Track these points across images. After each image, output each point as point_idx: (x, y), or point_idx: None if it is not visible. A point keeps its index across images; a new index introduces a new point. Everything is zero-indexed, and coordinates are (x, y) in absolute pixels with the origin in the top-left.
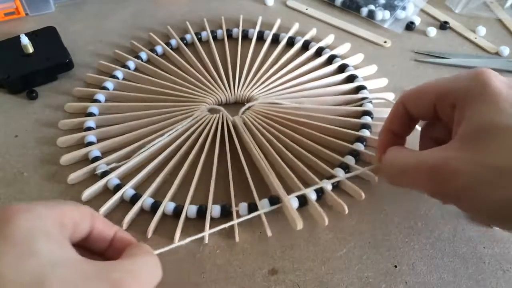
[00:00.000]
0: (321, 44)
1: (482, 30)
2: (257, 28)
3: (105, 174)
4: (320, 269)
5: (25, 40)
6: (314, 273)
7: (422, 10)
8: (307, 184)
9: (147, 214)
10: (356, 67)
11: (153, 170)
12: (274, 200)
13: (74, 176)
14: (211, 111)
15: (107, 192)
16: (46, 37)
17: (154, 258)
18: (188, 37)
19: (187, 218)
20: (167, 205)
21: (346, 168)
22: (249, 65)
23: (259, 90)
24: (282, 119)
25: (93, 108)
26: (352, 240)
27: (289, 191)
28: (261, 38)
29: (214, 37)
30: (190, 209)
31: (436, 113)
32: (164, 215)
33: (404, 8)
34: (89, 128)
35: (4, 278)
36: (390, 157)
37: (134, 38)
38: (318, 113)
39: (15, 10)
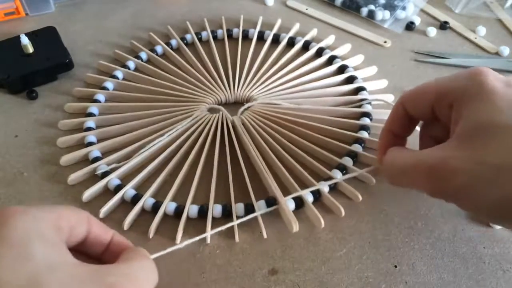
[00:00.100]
0: (322, 44)
1: (482, 30)
2: (258, 28)
3: (105, 174)
4: (320, 269)
5: (25, 40)
6: (314, 273)
7: (422, 10)
8: (304, 185)
9: (147, 214)
10: (356, 68)
11: (154, 170)
12: (271, 201)
13: (74, 177)
14: (211, 110)
15: (108, 192)
16: (46, 37)
17: (151, 262)
18: (188, 37)
19: (187, 218)
20: (168, 205)
21: (343, 169)
22: (249, 65)
23: (259, 90)
24: (280, 119)
25: (93, 108)
26: (352, 240)
27: (286, 192)
28: (261, 38)
29: (214, 37)
30: (191, 209)
31: (434, 113)
32: (164, 215)
33: (404, 8)
34: (89, 128)
35: (0, 280)
36: (390, 158)
37: (134, 38)
38: (316, 114)
39: (15, 10)
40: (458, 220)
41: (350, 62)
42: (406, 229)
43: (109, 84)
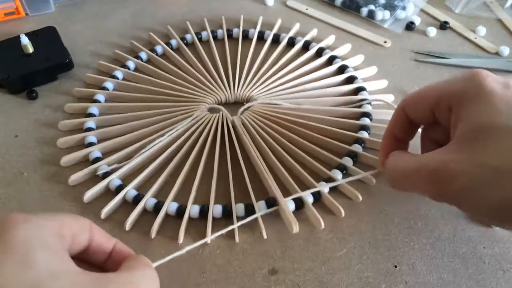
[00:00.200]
0: (322, 44)
1: (482, 30)
2: (258, 28)
3: (106, 175)
4: (320, 269)
5: (25, 40)
6: (314, 273)
7: (422, 10)
8: (304, 186)
9: (149, 214)
10: (356, 68)
11: (155, 171)
12: (272, 202)
13: (75, 177)
14: (211, 110)
15: (109, 193)
16: (46, 37)
17: (152, 270)
18: (188, 37)
19: (189, 219)
20: (170, 205)
21: (343, 169)
22: (249, 65)
23: (259, 90)
24: (280, 119)
25: (93, 109)
26: (352, 240)
27: (286, 193)
28: (261, 38)
29: (215, 37)
30: (192, 209)
31: (435, 116)
32: (166, 215)
33: (404, 8)
34: (89, 129)
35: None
36: (392, 162)
37: (134, 38)
38: (316, 114)
39: (15, 10)
40: (458, 220)
41: (350, 62)
42: (406, 229)
43: (109, 84)
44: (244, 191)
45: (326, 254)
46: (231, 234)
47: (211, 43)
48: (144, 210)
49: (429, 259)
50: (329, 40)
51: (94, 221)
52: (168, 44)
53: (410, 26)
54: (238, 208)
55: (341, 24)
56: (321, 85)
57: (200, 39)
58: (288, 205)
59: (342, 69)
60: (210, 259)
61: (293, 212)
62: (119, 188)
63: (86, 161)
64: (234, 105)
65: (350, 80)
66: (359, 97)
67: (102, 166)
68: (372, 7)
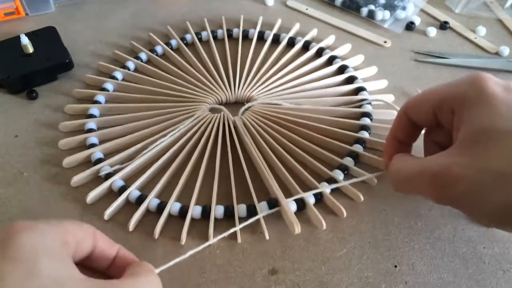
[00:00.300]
0: (322, 44)
1: (482, 30)
2: (258, 28)
3: (109, 176)
4: (320, 269)
5: (25, 40)
6: (314, 273)
7: (422, 10)
8: (305, 186)
9: (151, 215)
10: (356, 68)
11: (157, 171)
12: (273, 203)
13: (77, 179)
14: (213, 110)
15: (111, 194)
16: (46, 37)
17: (156, 277)
18: (188, 37)
19: (191, 219)
20: (173, 206)
21: (345, 170)
22: (249, 65)
23: (259, 90)
24: (281, 119)
25: (94, 110)
26: (352, 240)
27: (288, 193)
28: (261, 38)
29: (215, 37)
30: (194, 210)
31: (437, 119)
32: (169, 215)
33: (404, 8)
34: (91, 130)
35: None
36: (395, 165)
37: (134, 38)
38: (317, 114)
39: (15, 10)
40: (458, 220)
41: (350, 62)
42: (406, 229)
43: (109, 85)
44: (245, 192)
45: (326, 254)
46: (232, 234)
47: (211, 43)
48: (147, 211)
49: (429, 259)
50: (329, 40)
51: (97, 222)
52: (168, 44)
53: (410, 26)
54: (240, 209)
55: (341, 24)
56: (321, 85)
57: (200, 39)
58: (290, 206)
59: (342, 69)
60: (210, 259)
61: (295, 212)
62: (122, 189)
63: (88, 162)
64: (235, 105)
65: (350, 80)
66: (359, 97)
67: (105, 167)
68: (372, 7)
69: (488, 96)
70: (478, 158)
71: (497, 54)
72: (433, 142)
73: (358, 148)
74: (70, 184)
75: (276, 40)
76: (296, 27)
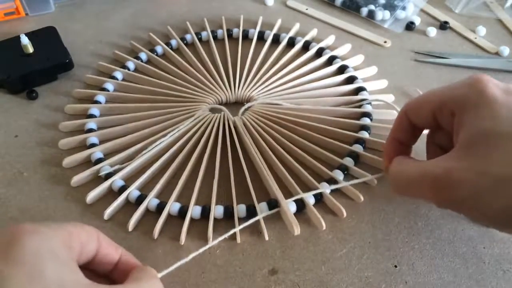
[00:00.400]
0: (322, 44)
1: (482, 30)
2: (258, 28)
3: (109, 175)
4: (320, 269)
5: (25, 40)
6: (314, 273)
7: (422, 10)
8: (306, 186)
9: (151, 215)
10: (356, 68)
11: (157, 171)
12: (273, 203)
13: (77, 179)
14: (213, 110)
15: (111, 194)
16: (46, 37)
17: (159, 283)
18: (188, 37)
19: (190, 219)
20: (172, 206)
21: (345, 170)
22: (249, 65)
23: (259, 90)
24: (281, 119)
25: (94, 110)
26: (352, 240)
27: (288, 193)
28: (261, 38)
29: (215, 37)
30: (194, 210)
31: (437, 121)
32: (168, 215)
33: (404, 8)
34: (91, 130)
35: None
36: (396, 168)
37: (134, 38)
38: (317, 114)
39: (15, 10)
40: (458, 220)
41: (350, 62)
42: (406, 229)
43: (109, 85)
44: (245, 192)
45: (326, 254)
46: (231, 234)
47: (211, 43)
48: (146, 211)
49: (429, 259)
50: (329, 40)
51: (97, 221)
52: (168, 44)
53: (410, 26)
54: (240, 209)
55: (341, 24)
56: (321, 85)
57: (200, 39)
58: (290, 206)
59: (342, 69)
60: (210, 259)
61: (295, 213)
62: (122, 189)
63: (88, 162)
64: (235, 105)
65: (350, 80)
66: (359, 97)
67: (105, 167)
68: (372, 7)
69: (488, 99)
70: (478, 161)
71: (497, 54)
72: (435, 144)
73: (358, 148)
74: (70, 184)
75: (276, 40)
76: (296, 27)
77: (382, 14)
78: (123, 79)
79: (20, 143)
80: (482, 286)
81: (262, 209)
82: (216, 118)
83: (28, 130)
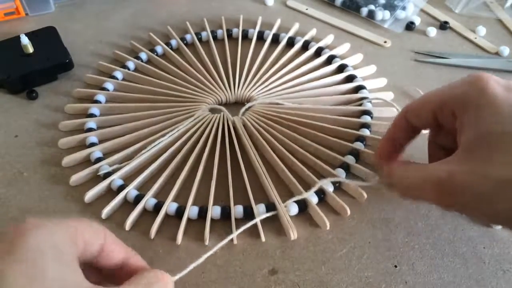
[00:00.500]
0: (321, 44)
1: (482, 30)
2: (257, 28)
3: (108, 175)
4: (320, 269)
5: (25, 40)
6: (314, 273)
7: (422, 10)
8: (308, 186)
9: (149, 214)
10: (355, 67)
11: (156, 171)
12: (271, 206)
13: (76, 178)
14: (212, 110)
15: (109, 193)
16: (46, 37)
17: (169, 286)
18: (188, 37)
19: (188, 219)
20: (170, 206)
21: (347, 168)
22: (249, 65)
23: (259, 90)
24: (281, 119)
25: (94, 109)
26: (352, 240)
27: (290, 193)
28: (261, 38)
29: (214, 37)
30: (191, 210)
31: (437, 121)
32: (166, 215)
33: (404, 8)
34: (90, 129)
35: None
36: (399, 174)
37: (134, 38)
38: (317, 113)
39: (15, 10)
40: (458, 220)
41: (349, 61)
42: (406, 229)
43: (109, 85)
44: (243, 193)
45: (326, 254)
46: (230, 234)
47: (211, 43)
48: (144, 210)
49: (429, 259)
50: (328, 40)
51: (96, 221)
52: (168, 44)
53: (410, 26)
54: (237, 210)
55: (341, 24)
56: (321, 84)
57: (200, 39)
58: (291, 208)
59: (341, 68)
60: (210, 259)
61: (298, 213)
62: (121, 188)
63: (87, 162)
64: (235, 105)
65: (350, 79)
66: (359, 95)
67: (104, 166)
68: (372, 7)
69: (489, 97)
70: (481, 164)
71: (497, 54)
72: (437, 146)
73: (359, 145)
74: (69, 183)
75: (275, 40)
76: (295, 27)
77: (382, 14)
78: (123, 79)
79: (20, 143)
80: (482, 286)
81: (260, 210)
82: (215, 119)
83: (28, 130)
